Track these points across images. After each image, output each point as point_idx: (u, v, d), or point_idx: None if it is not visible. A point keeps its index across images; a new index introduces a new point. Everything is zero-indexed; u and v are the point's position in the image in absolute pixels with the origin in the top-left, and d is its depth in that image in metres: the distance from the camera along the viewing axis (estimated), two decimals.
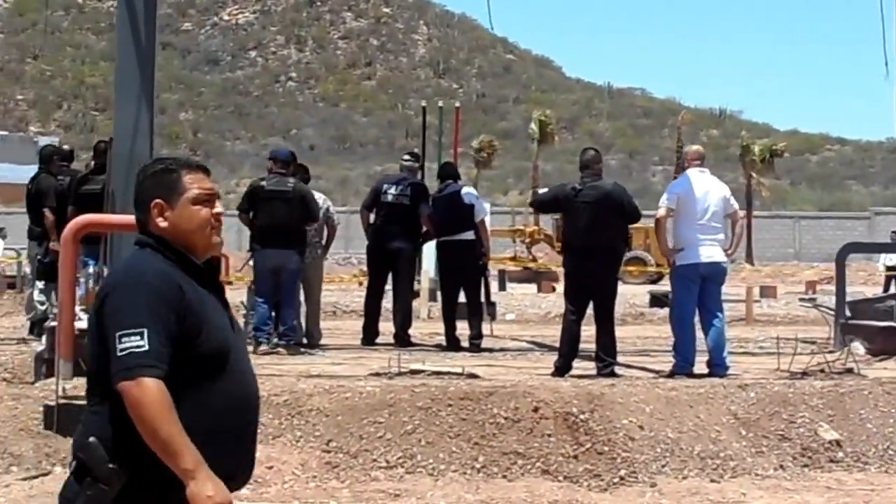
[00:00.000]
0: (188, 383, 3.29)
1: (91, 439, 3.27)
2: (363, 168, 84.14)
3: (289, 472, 7.85)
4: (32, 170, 13.50)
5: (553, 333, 12.49)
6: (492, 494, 7.70)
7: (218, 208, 3.54)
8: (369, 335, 13.19)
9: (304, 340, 12.59)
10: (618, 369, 10.89)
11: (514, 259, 35.00)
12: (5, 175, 19.79)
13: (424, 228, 13.29)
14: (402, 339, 13.04)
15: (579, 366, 10.95)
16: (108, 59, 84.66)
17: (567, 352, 10.83)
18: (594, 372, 10.68)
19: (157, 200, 3.48)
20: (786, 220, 57.03)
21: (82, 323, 9.52)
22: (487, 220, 22.33)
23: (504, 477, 8.04)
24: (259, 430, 3.63)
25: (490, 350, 12.96)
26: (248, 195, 12.43)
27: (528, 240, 36.75)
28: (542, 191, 12.08)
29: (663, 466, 8.26)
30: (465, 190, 13.40)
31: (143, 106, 10.50)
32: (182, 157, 3.69)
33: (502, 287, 27.01)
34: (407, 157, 14.07)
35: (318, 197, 13.06)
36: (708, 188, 11.11)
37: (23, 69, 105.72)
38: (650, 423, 8.55)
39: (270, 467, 7.78)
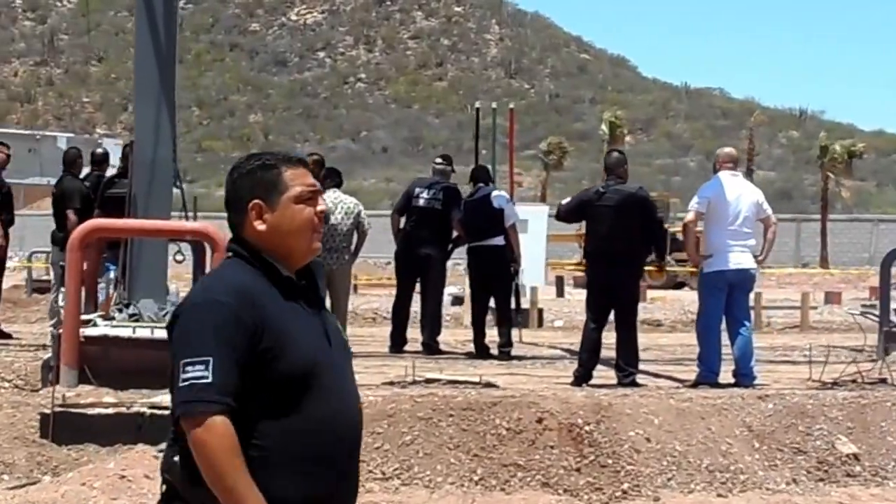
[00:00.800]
0: (271, 406, 3.02)
1: (176, 458, 3.06)
2: None
3: None
4: None
5: None
6: None
7: (321, 206, 3.21)
8: (397, 343, 13.01)
9: None
10: (642, 379, 10.66)
11: (579, 264, 34.58)
12: None
13: (455, 234, 13.10)
14: (431, 348, 12.86)
15: (603, 375, 10.71)
16: None
17: (587, 361, 10.60)
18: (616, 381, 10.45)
19: (256, 201, 3.16)
20: (865, 224, 55.72)
21: (98, 330, 9.47)
22: (544, 224, 21.98)
23: (502, 490, 7.84)
24: None
25: (520, 358, 12.72)
26: None
27: None
28: (565, 201, 11.74)
29: (669, 480, 8.01)
30: (495, 193, 13.06)
31: (163, 110, 10.48)
32: (279, 151, 3.37)
33: (560, 293, 26.64)
34: (439, 160, 13.80)
35: (350, 201, 12.90)
36: (740, 192, 10.81)
37: (87, 71, 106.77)
38: (658, 435, 8.30)
39: None
